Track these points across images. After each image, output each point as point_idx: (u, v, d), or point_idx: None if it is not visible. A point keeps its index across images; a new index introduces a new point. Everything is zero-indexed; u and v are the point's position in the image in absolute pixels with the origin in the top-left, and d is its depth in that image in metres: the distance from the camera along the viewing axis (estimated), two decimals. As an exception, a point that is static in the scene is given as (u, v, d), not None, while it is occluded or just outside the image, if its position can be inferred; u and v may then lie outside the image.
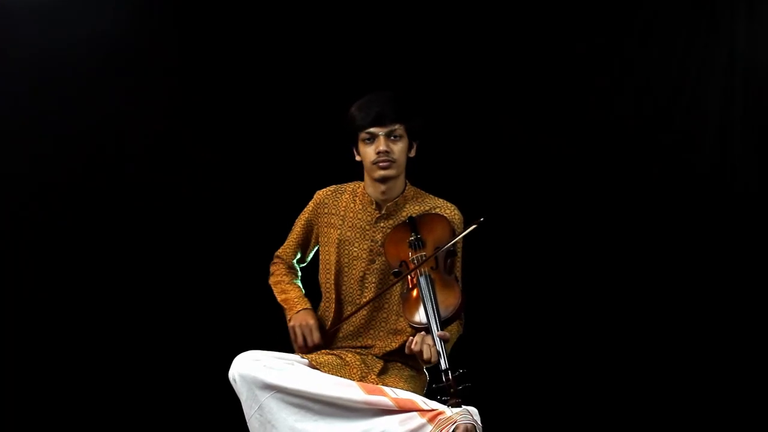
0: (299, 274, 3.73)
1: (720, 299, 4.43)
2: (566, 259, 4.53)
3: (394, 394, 3.28)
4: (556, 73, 4.52)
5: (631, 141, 4.48)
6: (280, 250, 3.75)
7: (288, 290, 3.65)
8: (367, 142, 3.50)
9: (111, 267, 4.51)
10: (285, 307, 3.62)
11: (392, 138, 3.48)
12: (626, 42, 4.48)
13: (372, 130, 3.48)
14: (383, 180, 3.53)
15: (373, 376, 3.43)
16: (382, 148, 3.47)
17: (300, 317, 3.54)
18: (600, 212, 4.53)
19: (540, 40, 4.51)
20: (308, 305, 3.60)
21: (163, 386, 4.53)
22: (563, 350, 4.54)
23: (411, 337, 3.28)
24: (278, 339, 3.57)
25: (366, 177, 3.60)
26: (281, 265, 3.72)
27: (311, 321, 3.53)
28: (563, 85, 4.52)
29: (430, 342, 3.21)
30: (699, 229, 4.42)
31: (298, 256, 3.74)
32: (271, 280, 3.72)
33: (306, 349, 3.51)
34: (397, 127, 3.48)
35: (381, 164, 3.49)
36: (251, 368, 3.30)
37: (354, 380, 3.35)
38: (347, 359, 3.48)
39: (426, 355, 3.21)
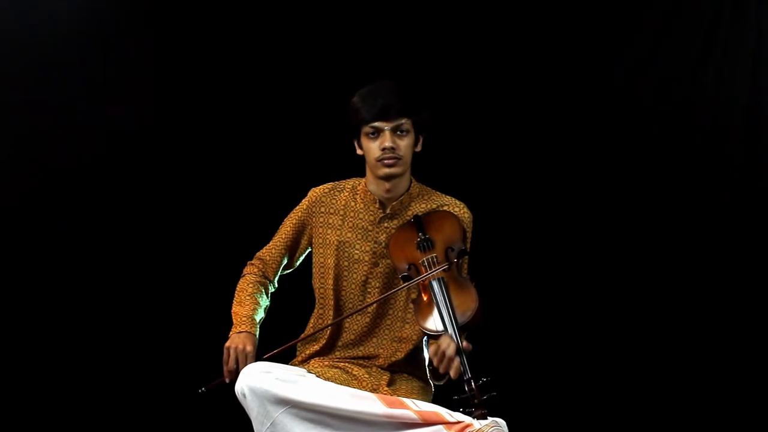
0: (269, 289, 3.44)
1: (751, 298, 4.28)
2: (586, 256, 4.35)
3: (416, 406, 3.07)
4: (574, 60, 4.34)
5: (654, 133, 4.29)
6: (262, 252, 3.48)
7: (243, 302, 3.35)
8: (371, 136, 3.27)
9: (93, 268, 4.37)
10: (233, 320, 3.33)
11: (398, 133, 3.26)
12: (648, 26, 4.29)
13: (377, 124, 3.25)
14: (388, 178, 3.30)
15: (386, 388, 3.23)
16: (387, 144, 3.25)
17: (239, 340, 3.23)
18: (621, 206, 4.35)
19: (557, 24, 4.33)
20: (254, 329, 3.30)
21: (157, 398, 4.38)
22: (586, 352, 4.36)
23: (431, 347, 3.06)
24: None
25: (368, 173, 3.37)
26: (255, 272, 3.42)
27: (249, 348, 3.21)
28: (581, 72, 4.33)
29: (450, 352, 2.98)
30: (725, 224, 4.25)
31: (285, 261, 3.46)
32: (237, 287, 3.42)
33: (234, 376, 3.19)
34: (404, 121, 3.26)
35: (386, 161, 3.26)
36: (262, 381, 3.06)
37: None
38: (354, 373, 3.27)
39: (453, 373, 2.97)
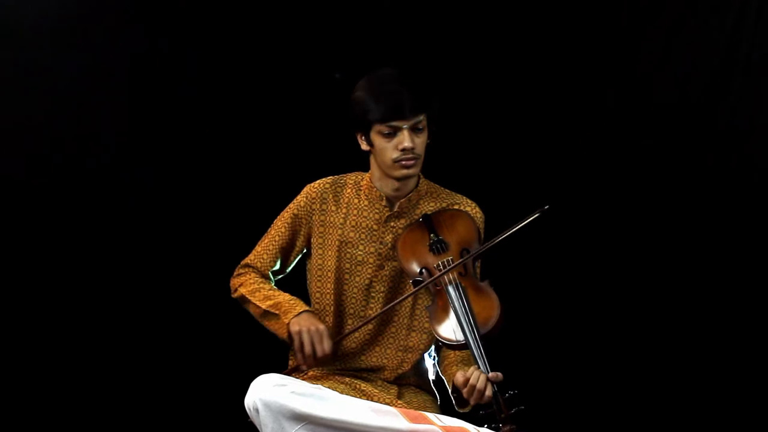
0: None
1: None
2: (604, 256, 4.12)
3: (440, 421, 2.85)
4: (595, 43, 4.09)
5: (678, 127, 4.05)
6: (250, 259, 3.19)
7: (273, 295, 3.08)
8: (386, 135, 3.01)
9: (70, 270, 4.07)
10: (275, 312, 3.04)
11: (416, 131, 3.02)
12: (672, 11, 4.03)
13: (394, 123, 2.99)
14: (404, 178, 3.08)
15: (399, 402, 3.00)
16: (407, 144, 2.98)
17: (306, 320, 2.98)
18: (646, 202, 4.10)
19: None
20: (308, 307, 3.06)
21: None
22: (616, 358, 4.12)
23: (456, 376, 2.85)
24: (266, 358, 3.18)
25: (375, 169, 3.11)
26: (253, 275, 3.16)
27: (321, 326, 2.97)
28: (602, 58, 4.08)
29: (481, 385, 2.78)
30: (745, 226, 4.03)
31: (277, 265, 3.18)
32: (243, 291, 3.13)
33: (313, 362, 2.98)
34: (421, 118, 3.01)
35: (405, 162, 3.01)
36: (277, 395, 2.80)
37: (382, 408, 2.92)
38: (362, 388, 3.03)
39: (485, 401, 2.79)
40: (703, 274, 4.03)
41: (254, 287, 3.14)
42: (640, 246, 4.09)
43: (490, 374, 2.80)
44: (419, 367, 3.16)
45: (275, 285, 3.19)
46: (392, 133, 3.02)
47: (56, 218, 4.03)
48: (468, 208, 3.17)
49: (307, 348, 2.97)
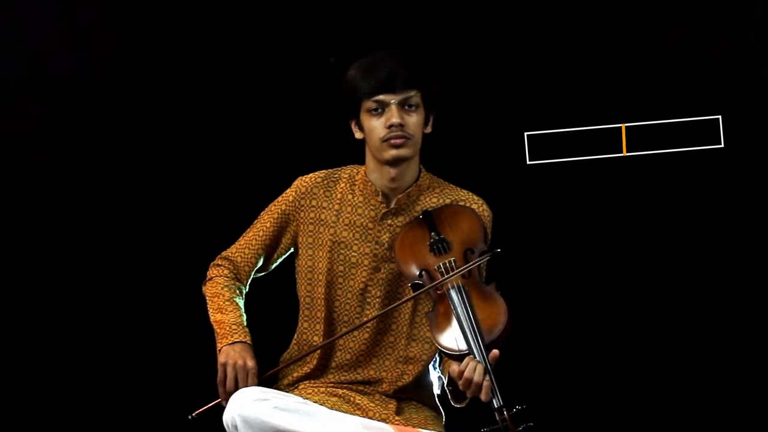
0: (244, 291, 2.95)
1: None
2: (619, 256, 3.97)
3: None
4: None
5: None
6: (231, 251, 2.95)
7: (225, 309, 2.84)
8: (374, 113, 2.78)
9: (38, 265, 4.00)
10: (217, 330, 2.82)
11: (407, 108, 2.77)
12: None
13: (381, 97, 2.76)
14: (395, 162, 2.81)
15: (396, 418, 2.76)
16: (395, 120, 2.75)
17: (235, 354, 2.74)
18: (667, 196, 3.96)
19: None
20: (247, 338, 2.80)
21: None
22: (630, 371, 3.97)
23: (456, 366, 2.60)
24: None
25: (369, 160, 2.87)
26: (225, 273, 2.92)
27: (251, 362, 2.73)
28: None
29: (478, 377, 2.55)
30: None
31: (260, 262, 2.94)
32: (207, 289, 2.92)
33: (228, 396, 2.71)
34: (412, 94, 2.77)
35: (394, 141, 2.77)
36: (258, 410, 2.59)
37: (375, 425, 2.69)
38: (357, 401, 2.78)
39: (484, 395, 2.53)
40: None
41: (215, 290, 2.91)
42: (672, 245, 3.96)
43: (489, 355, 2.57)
44: (422, 380, 2.89)
45: (245, 290, 2.97)
46: (380, 110, 2.79)
47: (45, 217, 3.99)
48: (474, 205, 2.91)
49: (229, 384, 2.73)
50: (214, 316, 2.85)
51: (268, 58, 3.95)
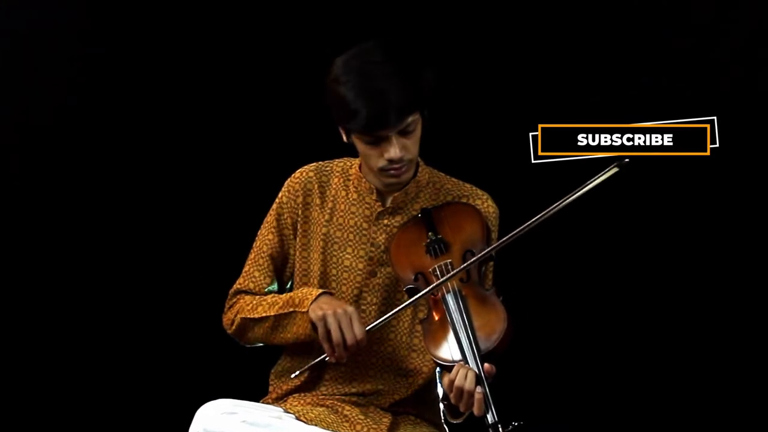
0: None
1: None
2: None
3: None
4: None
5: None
6: (239, 282, 2.71)
7: (280, 298, 2.60)
8: (370, 143, 2.54)
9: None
10: (289, 311, 2.55)
11: (406, 133, 2.53)
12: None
13: (378, 133, 2.51)
14: (395, 186, 2.63)
15: None
16: (395, 155, 2.52)
17: (328, 303, 2.50)
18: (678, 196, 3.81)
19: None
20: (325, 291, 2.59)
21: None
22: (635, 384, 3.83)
23: (447, 376, 2.40)
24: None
25: (364, 163, 2.66)
26: (247, 298, 2.68)
27: (349, 307, 2.49)
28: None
29: (469, 386, 2.33)
30: None
31: (274, 283, 2.72)
32: (242, 316, 2.64)
33: (344, 351, 2.49)
34: (411, 120, 2.52)
35: (393, 172, 2.56)
36: (225, 425, 2.41)
37: (364, 440, 2.48)
38: (345, 412, 2.57)
39: (477, 409, 2.32)
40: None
41: (253, 304, 2.66)
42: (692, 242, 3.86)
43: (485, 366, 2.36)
44: (423, 394, 2.68)
45: None
46: (376, 142, 2.54)
47: (39, 219, 3.96)
48: (478, 201, 2.68)
49: (335, 334, 2.47)
50: (272, 311, 2.60)
51: (256, 48, 3.89)
